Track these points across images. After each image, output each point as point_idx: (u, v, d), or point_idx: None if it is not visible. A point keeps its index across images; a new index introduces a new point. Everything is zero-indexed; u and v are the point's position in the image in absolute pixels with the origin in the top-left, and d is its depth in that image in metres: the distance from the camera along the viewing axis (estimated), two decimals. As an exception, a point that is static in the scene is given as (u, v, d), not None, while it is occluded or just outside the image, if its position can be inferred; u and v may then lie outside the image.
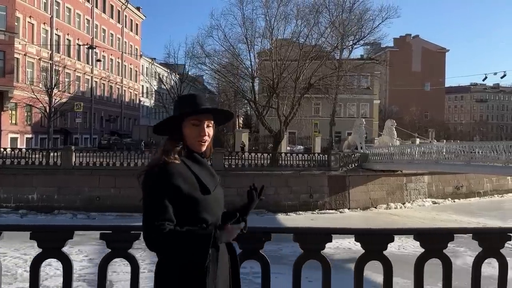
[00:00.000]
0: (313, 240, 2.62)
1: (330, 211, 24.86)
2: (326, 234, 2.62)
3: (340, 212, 24.99)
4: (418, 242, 2.71)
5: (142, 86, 62.43)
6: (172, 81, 53.13)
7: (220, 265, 1.95)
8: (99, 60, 46.35)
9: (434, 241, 2.70)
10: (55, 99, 32.85)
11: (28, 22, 38.28)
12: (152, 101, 63.54)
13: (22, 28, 37.49)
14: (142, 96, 63.62)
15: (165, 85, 42.55)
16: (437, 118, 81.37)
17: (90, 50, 45.79)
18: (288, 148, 40.78)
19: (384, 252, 2.65)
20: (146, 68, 63.03)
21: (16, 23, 36.16)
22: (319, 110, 51.11)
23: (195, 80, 58.08)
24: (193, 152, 2.02)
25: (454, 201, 29.83)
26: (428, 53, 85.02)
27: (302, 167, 25.30)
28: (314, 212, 24.55)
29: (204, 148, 2.04)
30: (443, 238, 2.69)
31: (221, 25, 34.76)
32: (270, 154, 26.74)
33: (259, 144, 43.44)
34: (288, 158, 26.02)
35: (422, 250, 2.71)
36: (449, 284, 2.69)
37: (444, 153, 22.20)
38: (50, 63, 36.84)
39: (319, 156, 26.71)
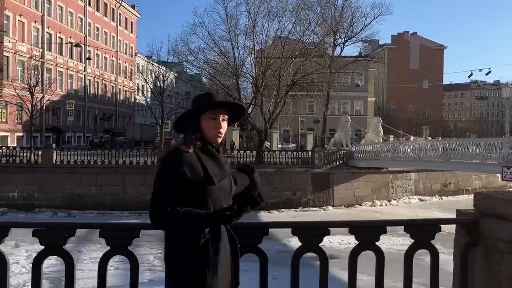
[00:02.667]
0: (312, 234, 2.75)
1: (314, 208, 24.77)
2: (324, 228, 2.75)
3: (324, 209, 24.90)
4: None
5: (138, 84, 62.32)
6: (168, 79, 52.75)
7: (221, 255, 2.12)
8: (88, 58, 46.31)
9: (421, 232, 2.84)
10: (38, 97, 32.74)
11: (19, 20, 38.28)
12: (148, 99, 63.45)
13: (12, 27, 37.50)
14: (138, 94, 63.56)
15: (148, 84, 42.23)
16: (435, 115, 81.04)
17: (81, 48, 46.01)
18: (280, 145, 40.72)
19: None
20: (142, 66, 62.93)
21: (5, 22, 36.21)
22: (313, 108, 51.07)
23: (193, 78, 58.00)
24: (208, 144, 2.18)
25: (441, 199, 29.66)
26: (426, 50, 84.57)
27: (285, 165, 25.23)
28: (297, 209, 24.47)
29: (220, 140, 2.24)
30: (431, 229, 2.84)
31: (205, 22, 34.65)
32: (255, 152, 26.67)
33: (251, 142, 43.37)
34: (271, 156, 25.94)
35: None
36: (436, 274, 2.83)
37: (425, 150, 22.07)
38: (36, 61, 36.69)
39: (302, 154, 26.61)
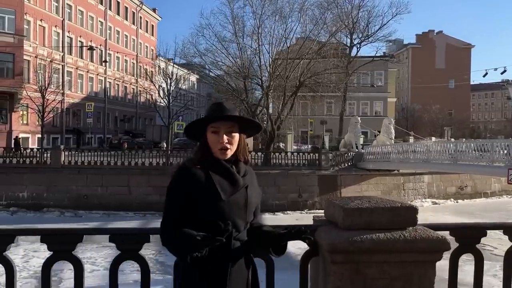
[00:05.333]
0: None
1: (320, 211, 24.34)
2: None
3: (330, 212, 24.54)
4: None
5: (159, 86, 63.13)
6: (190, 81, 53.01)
7: (232, 278, 2.01)
8: (105, 61, 47.21)
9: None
10: (50, 99, 33.59)
11: (39, 25, 39.37)
12: (166, 101, 64.12)
13: (33, 31, 38.59)
14: (159, 96, 64.39)
15: (155, 85, 42.71)
16: (462, 116, 78.80)
17: (102, 51, 47.01)
18: (295, 147, 40.46)
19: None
20: (163, 68, 63.72)
21: (26, 26, 37.28)
22: (331, 109, 50.66)
23: (215, 80, 58.17)
24: (218, 158, 2.06)
25: (457, 202, 28.80)
26: (452, 50, 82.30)
27: (291, 166, 25.02)
28: (303, 212, 24.22)
29: (226, 156, 2.07)
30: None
31: (211, 24, 34.84)
32: (263, 153, 26.56)
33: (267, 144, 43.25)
34: (277, 157, 25.77)
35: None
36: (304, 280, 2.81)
37: (432, 152, 21.49)
38: (52, 64, 37.67)
39: (309, 155, 26.32)
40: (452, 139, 46.50)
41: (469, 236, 2.92)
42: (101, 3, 49.30)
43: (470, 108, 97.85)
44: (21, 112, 37.11)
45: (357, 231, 2.53)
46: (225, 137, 2.04)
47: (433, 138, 45.98)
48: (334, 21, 35.77)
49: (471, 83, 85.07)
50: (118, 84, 53.31)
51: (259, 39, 26.66)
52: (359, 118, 29.98)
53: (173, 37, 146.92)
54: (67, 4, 43.07)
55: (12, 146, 29.86)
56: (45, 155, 24.20)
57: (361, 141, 36.44)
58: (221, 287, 1.98)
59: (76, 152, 24.89)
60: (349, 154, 27.11)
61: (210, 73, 39.74)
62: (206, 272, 1.99)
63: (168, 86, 33.98)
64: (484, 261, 3.01)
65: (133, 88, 57.25)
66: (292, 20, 27.98)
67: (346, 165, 26.33)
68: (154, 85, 38.83)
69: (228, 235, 1.98)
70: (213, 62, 29.39)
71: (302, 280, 2.80)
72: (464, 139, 50.66)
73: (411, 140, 40.34)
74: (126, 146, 35.02)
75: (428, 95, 75.66)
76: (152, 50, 62.13)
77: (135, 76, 56.39)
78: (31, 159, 23.82)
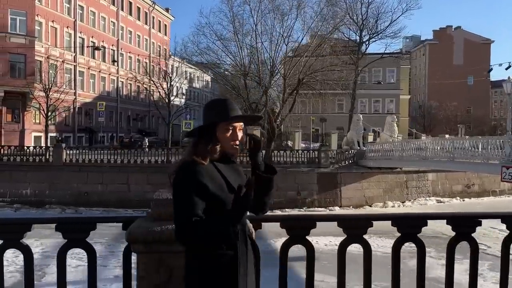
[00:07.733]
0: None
1: (319, 209, 24.33)
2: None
3: (330, 210, 24.40)
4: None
5: (172, 85, 63.65)
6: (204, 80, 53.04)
7: (249, 262, 2.14)
8: (114, 61, 47.87)
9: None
10: (54, 97, 34.36)
11: (51, 26, 40.17)
12: (182, 100, 64.68)
13: (45, 32, 39.39)
14: (172, 95, 64.91)
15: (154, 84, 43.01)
16: (481, 113, 76.99)
17: (114, 51, 47.71)
18: (303, 145, 40.31)
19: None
20: (176, 67, 64.22)
21: (38, 27, 38.10)
22: (342, 107, 50.28)
23: (225, 79, 58.57)
24: (223, 154, 2.18)
25: (463, 200, 28.27)
26: (471, 45, 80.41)
27: (290, 164, 24.96)
28: (301, 209, 24.13)
29: (235, 151, 2.21)
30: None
31: (211, 23, 34.91)
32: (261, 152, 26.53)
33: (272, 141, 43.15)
34: (276, 155, 25.72)
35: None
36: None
37: (430, 149, 21.18)
38: (59, 63, 38.43)
39: (309, 153, 26.20)
40: (467, 137, 45.72)
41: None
42: (113, 4, 49.98)
43: (489, 104, 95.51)
44: (32, 112, 37.96)
45: (165, 222, 2.56)
46: (238, 133, 2.16)
47: (447, 136, 45.28)
48: (338, 17, 35.31)
49: (491, 79, 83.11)
50: (130, 84, 53.97)
51: (257, 37, 26.68)
52: (361, 116, 29.72)
53: (183, 36, 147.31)
54: (79, 5, 43.79)
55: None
56: (47, 153, 24.76)
57: (370, 138, 36.10)
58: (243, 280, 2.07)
59: (77, 151, 25.37)
60: (350, 152, 26.89)
61: (226, 72, 40.02)
62: (220, 260, 2.05)
63: (167, 85, 34.19)
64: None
65: (146, 88, 57.86)
66: (291, 17, 27.89)
67: (347, 162, 26.13)
68: (155, 84, 38.97)
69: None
70: (213, 60, 29.47)
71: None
72: (480, 136, 49.65)
73: (423, 137, 39.78)
74: (111, 145, 35.85)
75: (446, 92, 74.23)
76: (165, 49, 62.68)
77: (147, 75, 57.01)
78: (34, 157, 24.41)
